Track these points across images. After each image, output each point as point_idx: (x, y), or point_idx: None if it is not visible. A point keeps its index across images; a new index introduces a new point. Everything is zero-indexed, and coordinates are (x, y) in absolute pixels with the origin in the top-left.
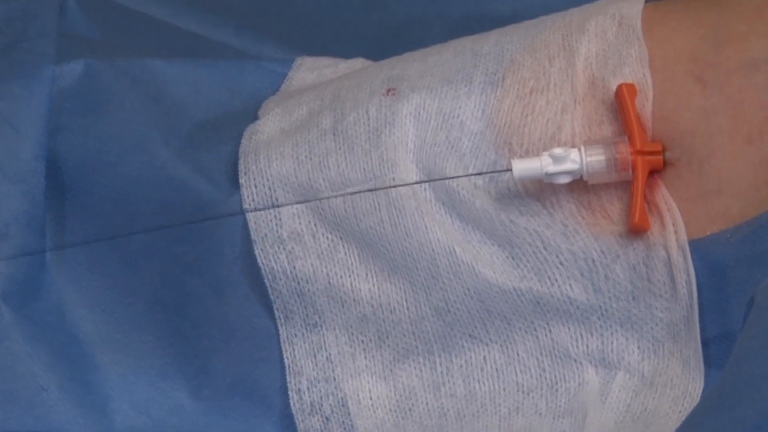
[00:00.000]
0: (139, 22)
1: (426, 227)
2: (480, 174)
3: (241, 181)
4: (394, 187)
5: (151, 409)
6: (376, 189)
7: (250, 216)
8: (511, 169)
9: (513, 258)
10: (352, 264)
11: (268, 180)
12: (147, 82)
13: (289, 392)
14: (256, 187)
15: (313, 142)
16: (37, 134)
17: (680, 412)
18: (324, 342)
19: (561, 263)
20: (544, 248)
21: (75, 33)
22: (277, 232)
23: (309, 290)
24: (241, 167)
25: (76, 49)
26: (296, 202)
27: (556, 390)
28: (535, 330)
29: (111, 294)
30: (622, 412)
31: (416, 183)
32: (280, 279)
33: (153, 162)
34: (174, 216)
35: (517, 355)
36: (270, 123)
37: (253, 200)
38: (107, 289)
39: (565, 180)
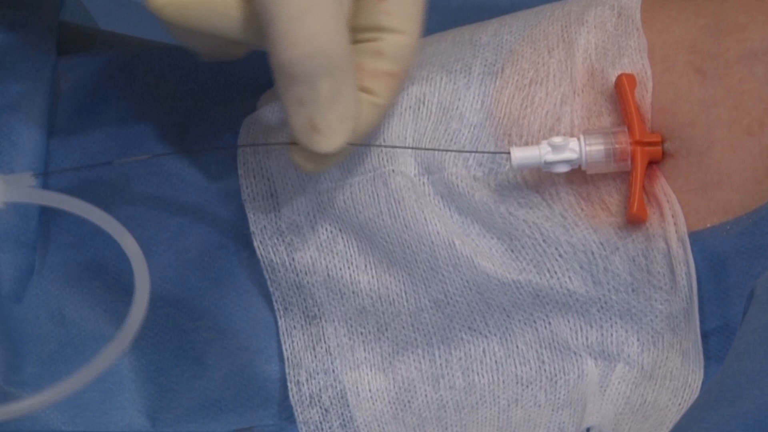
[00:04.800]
0: (136, 12)
1: (425, 220)
2: (477, 152)
3: (240, 172)
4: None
5: (148, 407)
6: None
7: (249, 207)
8: (509, 152)
9: (512, 251)
10: (351, 256)
11: (266, 171)
12: (144, 74)
13: (288, 384)
14: (254, 178)
15: None
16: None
17: (680, 404)
18: (323, 334)
19: (560, 255)
20: (544, 241)
21: (73, 23)
22: (276, 223)
23: (308, 282)
24: (240, 159)
25: (74, 42)
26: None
27: (556, 382)
28: (535, 322)
29: (110, 294)
30: (621, 404)
31: (398, 147)
32: (279, 271)
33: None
34: (173, 210)
35: (517, 347)
36: (268, 114)
37: (252, 192)
38: (106, 289)
39: (563, 169)
